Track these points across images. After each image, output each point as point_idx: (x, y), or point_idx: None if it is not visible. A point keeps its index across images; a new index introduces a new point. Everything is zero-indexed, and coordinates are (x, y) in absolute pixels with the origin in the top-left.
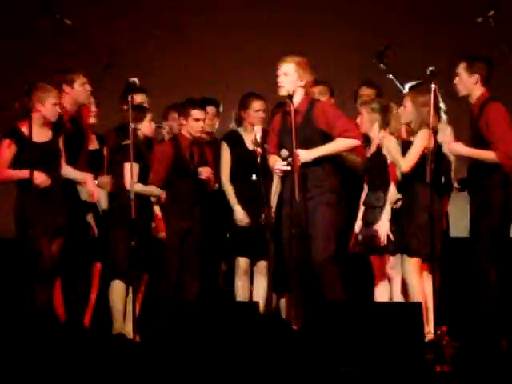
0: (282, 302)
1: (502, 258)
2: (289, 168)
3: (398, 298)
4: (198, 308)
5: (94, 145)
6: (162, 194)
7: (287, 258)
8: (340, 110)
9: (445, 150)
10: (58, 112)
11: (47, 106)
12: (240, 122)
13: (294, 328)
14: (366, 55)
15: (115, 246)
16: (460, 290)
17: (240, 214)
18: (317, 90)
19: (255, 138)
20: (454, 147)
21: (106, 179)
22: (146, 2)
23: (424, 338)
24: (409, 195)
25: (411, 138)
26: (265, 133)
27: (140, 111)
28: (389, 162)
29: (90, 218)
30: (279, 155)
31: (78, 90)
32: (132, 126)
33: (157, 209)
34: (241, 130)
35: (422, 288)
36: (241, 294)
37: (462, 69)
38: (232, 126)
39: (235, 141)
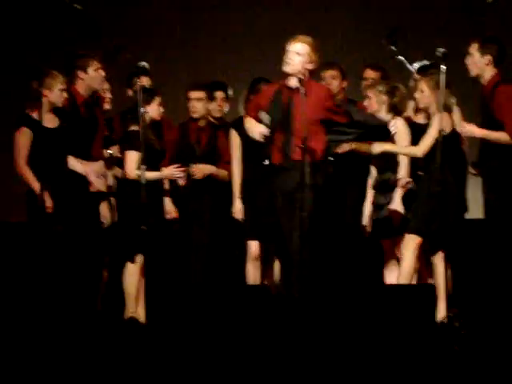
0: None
1: None
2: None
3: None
4: (209, 292)
5: (104, 130)
6: (173, 172)
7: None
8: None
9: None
10: (65, 98)
11: (55, 92)
12: None
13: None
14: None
15: (125, 228)
16: (475, 272)
17: (237, 207)
18: (328, 73)
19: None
20: (468, 129)
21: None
22: None
23: (436, 319)
24: (424, 177)
25: (426, 121)
26: None
27: (148, 94)
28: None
29: (103, 207)
30: (258, 120)
31: (92, 75)
32: (142, 109)
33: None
34: None
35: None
36: (251, 278)
37: (474, 49)
38: (241, 110)
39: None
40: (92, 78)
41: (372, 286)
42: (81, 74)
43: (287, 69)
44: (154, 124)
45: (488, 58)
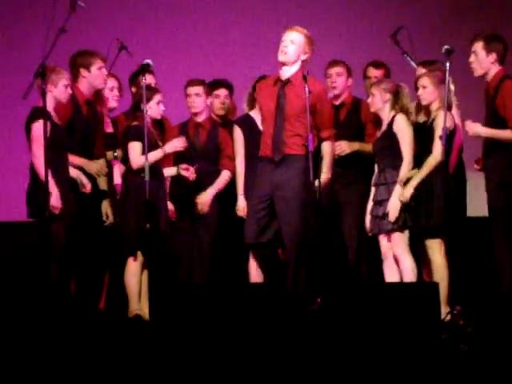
0: None
1: None
2: None
3: (409, 277)
4: (211, 289)
5: (109, 128)
6: (175, 144)
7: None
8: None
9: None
10: (70, 93)
11: (59, 88)
12: (253, 104)
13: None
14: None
15: (128, 226)
16: (476, 269)
17: (241, 204)
18: (334, 70)
19: None
20: (473, 127)
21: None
22: None
23: (440, 317)
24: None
25: (426, 118)
26: None
27: (148, 91)
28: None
29: (105, 205)
30: None
31: (95, 73)
32: (143, 106)
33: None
34: (253, 113)
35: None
36: (254, 276)
37: (479, 47)
38: (244, 108)
39: (248, 124)
40: (95, 76)
41: (375, 284)
42: (84, 72)
43: (282, 58)
44: (155, 122)
45: (493, 56)
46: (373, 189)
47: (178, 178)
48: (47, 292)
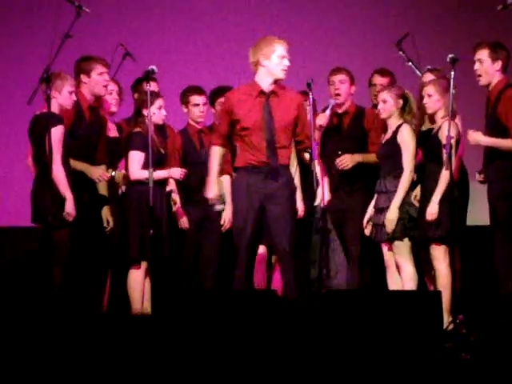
0: None
1: None
2: None
3: (409, 285)
4: (215, 294)
5: (114, 133)
6: (172, 172)
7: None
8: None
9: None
10: (74, 100)
11: (64, 94)
12: None
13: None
14: (384, 43)
15: (130, 233)
16: (479, 278)
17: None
18: (337, 78)
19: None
20: (474, 136)
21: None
22: None
23: (443, 326)
24: (429, 182)
25: (430, 126)
26: None
27: (150, 97)
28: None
29: (106, 211)
30: None
31: (96, 79)
32: (145, 112)
33: (175, 197)
34: None
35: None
36: (257, 282)
37: (484, 55)
38: None
39: None
40: (94, 82)
41: (377, 291)
42: (84, 78)
43: (284, 75)
44: (157, 127)
45: (499, 63)
46: (375, 195)
47: (184, 182)
48: (50, 296)
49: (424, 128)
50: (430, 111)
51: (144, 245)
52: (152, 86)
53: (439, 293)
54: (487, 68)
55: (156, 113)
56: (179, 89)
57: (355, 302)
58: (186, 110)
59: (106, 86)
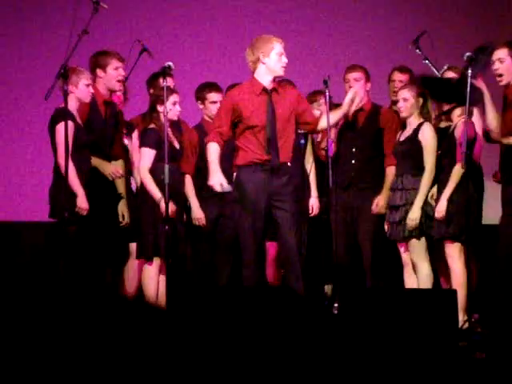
0: None
1: None
2: None
3: (425, 284)
4: (229, 291)
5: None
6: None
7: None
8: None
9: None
10: (92, 92)
11: (80, 88)
12: None
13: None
14: (402, 40)
15: (144, 229)
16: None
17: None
18: (352, 75)
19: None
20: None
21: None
22: None
23: (458, 325)
24: (446, 180)
25: (447, 124)
26: None
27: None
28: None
29: (122, 206)
30: None
31: (112, 74)
32: (160, 108)
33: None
34: None
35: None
36: (270, 279)
37: (504, 54)
38: None
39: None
40: (111, 76)
41: (392, 290)
42: (100, 72)
43: (283, 72)
44: (172, 123)
45: None
46: (390, 193)
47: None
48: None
49: (442, 125)
50: (445, 108)
51: (158, 241)
52: (168, 82)
53: (454, 291)
54: (509, 66)
55: (171, 109)
56: (194, 85)
57: (370, 300)
58: (201, 106)
59: (120, 81)
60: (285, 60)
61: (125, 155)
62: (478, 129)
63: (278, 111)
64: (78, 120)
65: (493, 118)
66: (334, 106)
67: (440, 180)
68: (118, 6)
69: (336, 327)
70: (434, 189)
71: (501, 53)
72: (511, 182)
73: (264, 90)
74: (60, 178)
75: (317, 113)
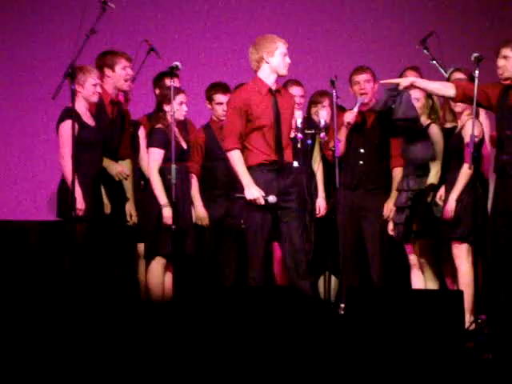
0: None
1: None
2: None
3: (432, 285)
4: (235, 290)
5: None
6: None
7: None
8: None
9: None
10: (99, 92)
11: (87, 87)
12: None
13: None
14: (409, 41)
15: (150, 228)
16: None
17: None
18: (363, 77)
19: (295, 124)
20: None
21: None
22: None
23: (465, 325)
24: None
25: (453, 125)
26: (305, 118)
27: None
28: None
29: (129, 205)
30: None
31: (120, 73)
32: (166, 108)
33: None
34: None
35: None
36: (278, 279)
37: (510, 52)
38: None
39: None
40: (119, 76)
41: (398, 290)
42: (108, 71)
43: (286, 72)
44: (179, 123)
45: None
46: (396, 193)
47: (207, 178)
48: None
49: (448, 126)
50: (457, 109)
51: (165, 240)
52: (174, 82)
53: (461, 292)
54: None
55: (177, 108)
56: (202, 84)
57: (377, 300)
58: (209, 107)
59: (127, 81)
60: (288, 60)
61: (132, 154)
62: (486, 129)
63: (281, 111)
64: (86, 120)
65: (437, 91)
66: (339, 108)
67: (447, 180)
68: (126, 5)
69: (342, 328)
70: (442, 189)
71: (508, 51)
72: None
73: (269, 90)
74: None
75: (323, 114)
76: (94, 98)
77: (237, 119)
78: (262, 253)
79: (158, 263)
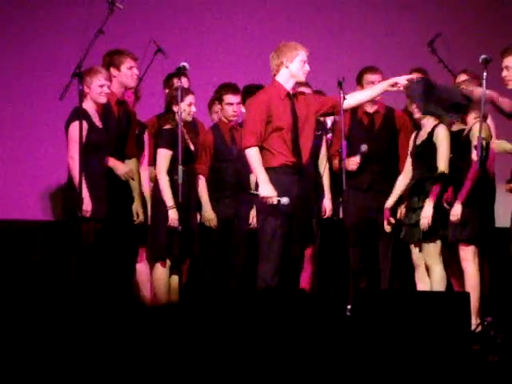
0: None
1: None
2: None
3: (439, 287)
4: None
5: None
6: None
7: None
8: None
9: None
10: (106, 94)
11: (93, 89)
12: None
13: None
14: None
15: (158, 229)
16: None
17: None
18: (377, 78)
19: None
20: (498, 144)
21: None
22: None
23: (471, 328)
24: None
25: (460, 127)
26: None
27: (180, 93)
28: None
29: (136, 204)
30: None
31: (125, 72)
32: (175, 108)
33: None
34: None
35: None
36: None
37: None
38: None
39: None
40: (124, 75)
41: (405, 292)
42: (114, 71)
43: (304, 79)
44: (188, 123)
45: None
46: (406, 196)
47: (215, 179)
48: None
49: (455, 128)
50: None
51: (171, 241)
52: (183, 82)
53: (468, 294)
54: None
55: (186, 109)
56: (210, 85)
57: (383, 302)
58: (218, 107)
59: (133, 80)
60: (307, 68)
61: (138, 154)
62: (493, 132)
63: (299, 114)
64: (95, 120)
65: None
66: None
67: (455, 183)
68: (133, 6)
69: (349, 329)
70: (449, 192)
71: (509, 60)
72: None
73: (288, 94)
74: (71, 178)
75: None
76: (102, 99)
77: (258, 119)
78: (277, 256)
79: (163, 265)
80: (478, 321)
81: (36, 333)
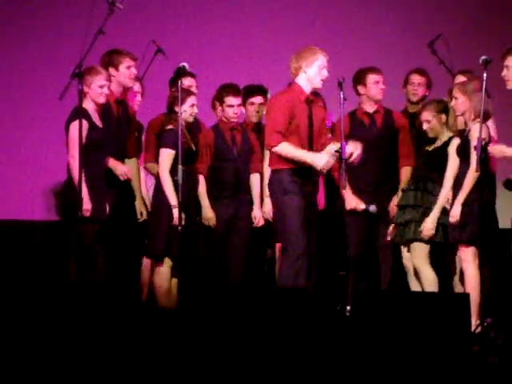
0: None
1: None
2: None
3: (430, 288)
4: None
5: None
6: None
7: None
8: None
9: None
10: (106, 94)
11: (93, 89)
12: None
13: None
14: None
15: (158, 229)
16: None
17: (267, 208)
18: (381, 79)
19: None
20: (498, 150)
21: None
22: None
23: (471, 328)
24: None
25: (464, 127)
26: None
27: (181, 93)
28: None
29: (139, 203)
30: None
31: (124, 72)
32: (177, 109)
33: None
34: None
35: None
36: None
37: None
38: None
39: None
40: (123, 75)
41: (405, 293)
42: (112, 71)
43: (321, 85)
44: (190, 124)
45: None
46: (400, 194)
47: (216, 179)
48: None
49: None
50: (457, 113)
51: (171, 241)
52: (189, 82)
53: (467, 295)
54: None
55: (188, 110)
56: (210, 85)
57: (383, 303)
58: (219, 108)
59: (132, 79)
60: (325, 73)
61: (138, 154)
62: (493, 133)
63: (314, 119)
64: (95, 119)
65: None
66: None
67: (454, 184)
68: (133, 6)
69: (348, 329)
70: (450, 193)
71: (507, 60)
72: None
73: (307, 99)
74: (71, 178)
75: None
76: (101, 100)
77: (281, 118)
78: (305, 257)
79: (165, 265)
80: (478, 322)
81: (35, 332)
